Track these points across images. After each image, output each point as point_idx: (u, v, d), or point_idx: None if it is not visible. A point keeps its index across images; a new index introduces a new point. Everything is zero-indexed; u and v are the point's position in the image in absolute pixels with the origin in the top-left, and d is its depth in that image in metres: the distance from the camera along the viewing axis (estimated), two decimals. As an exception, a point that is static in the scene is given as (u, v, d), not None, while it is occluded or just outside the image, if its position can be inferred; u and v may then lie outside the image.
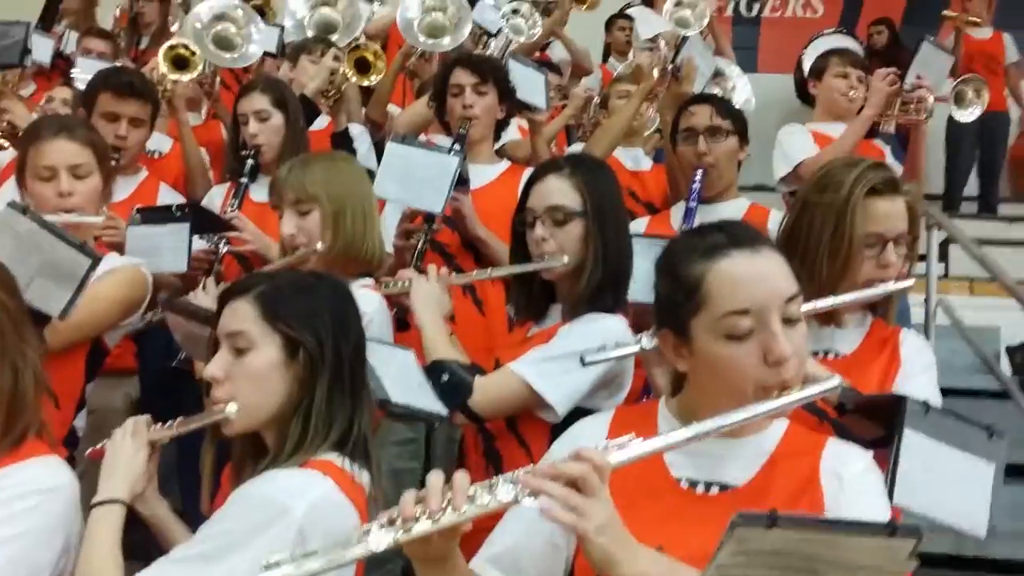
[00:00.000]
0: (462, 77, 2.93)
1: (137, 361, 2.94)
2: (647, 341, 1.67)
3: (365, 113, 4.07)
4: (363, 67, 3.59)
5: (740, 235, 1.36)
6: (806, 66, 6.63)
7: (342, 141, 3.51)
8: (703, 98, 2.89)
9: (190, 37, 3.77)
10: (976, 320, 4.52)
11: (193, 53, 3.65)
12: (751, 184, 3.99)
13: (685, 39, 3.39)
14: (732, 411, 1.28)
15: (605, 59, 6.20)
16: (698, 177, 2.65)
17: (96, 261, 1.96)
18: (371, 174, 3.55)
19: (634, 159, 3.55)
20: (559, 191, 1.94)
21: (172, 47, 3.68)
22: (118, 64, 4.58)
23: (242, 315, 1.48)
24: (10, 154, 3.82)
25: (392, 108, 4.21)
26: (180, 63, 3.64)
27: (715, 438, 1.32)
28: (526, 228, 1.99)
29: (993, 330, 4.60)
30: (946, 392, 1.89)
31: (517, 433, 1.92)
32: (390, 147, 2.59)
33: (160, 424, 1.60)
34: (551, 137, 3.75)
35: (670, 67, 3.19)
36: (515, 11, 4.02)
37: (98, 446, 1.61)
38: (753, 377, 1.29)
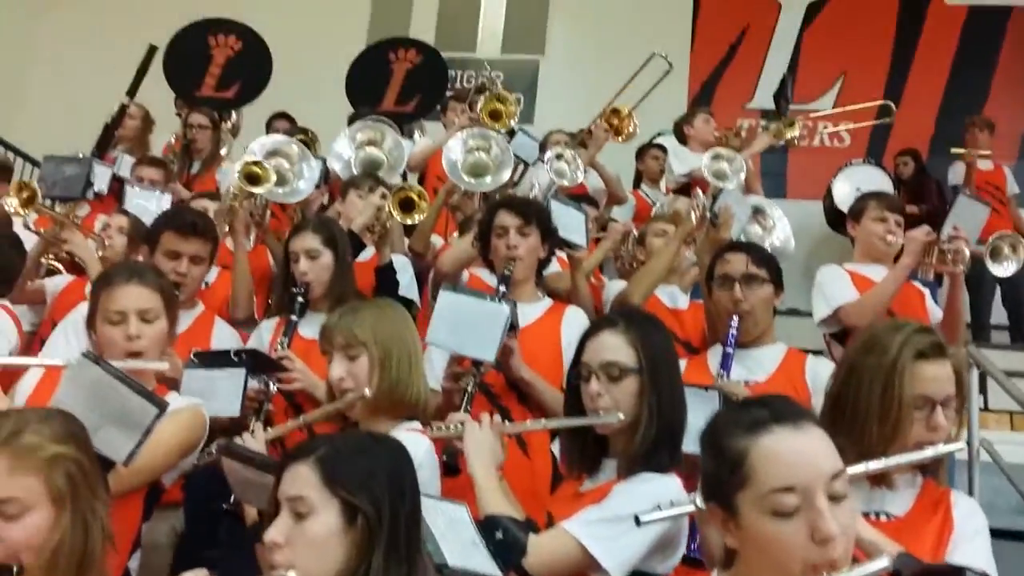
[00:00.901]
0: (506, 219, 3.04)
1: (183, 494, 2.97)
2: (702, 500, 1.68)
3: (408, 244, 4.21)
4: (407, 206, 3.73)
5: (783, 411, 1.38)
6: (836, 194, 6.84)
7: (386, 273, 3.62)
8: (739, 246, 2.97)
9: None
10: (1018, 457, 4.46)
11: (265, 171, 3.83)
12: (783, 309, 4.06)
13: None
14: None
15: (636, 185, 6.36)
16: (734, 323, 2.70)
17: (163, 410, 2.01)
18: (411, 304, 3.69)
19: (671, 297, 3.61)
20: (614, 347, 1.98)
21: (248, 163, 3.87)
22: (172, 187, 4.82)
23: (303, 480, 1.49)
24: (65, 279, 3.99)
25: (434, 239, 4.34)
26: (252, 179, 3.82)
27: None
28: (580, 381, 2.02)
29: (1037, 468, 4.51)
30: (991, 534, 1.87)
31: (573, 594, 1.89)
32: (443, 295, 2.66)
33: None
34: (590, 270, 3.83)
35: (708, 214, 3.28)
36: (559, 156, 4.17)
37: None
38: (800, 556, 1.30)
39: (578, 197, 4.52)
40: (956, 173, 6.69)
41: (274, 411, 2.84)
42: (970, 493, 3.93)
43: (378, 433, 1.78)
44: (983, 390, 4.95)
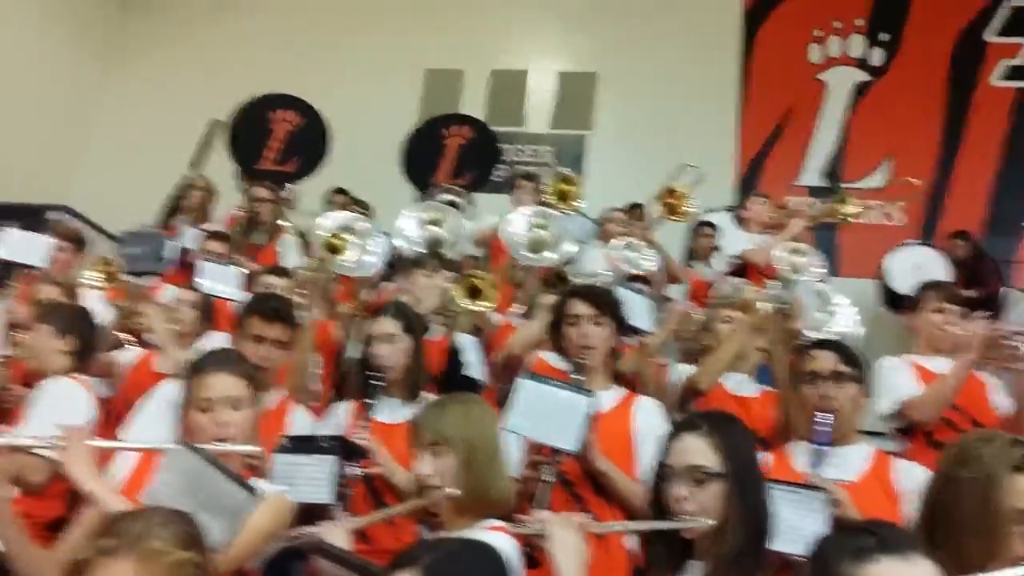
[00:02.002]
0: (580, 308, 3.05)
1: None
2: None
3: (469, 322, 4.25)
4: (474, 292, 3.79)
5: (890, 540, 1.41)
6: (891, 274, 6.82)
7: (454, 354, 3.67)
8: (827, 343, 2.95)
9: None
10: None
11: (344, 241, 3.93)
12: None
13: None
14: None
15: (686, 262, 6.40)
16: (824, 421, 2.68)
17: (256, 497, 2.05)
18: (477, 384, 3.72)
19: (738, 384, 3.60)
20: (697, 451, 1.98)
21: (329, 235, 4.03)
22: (237, 259, 4.93)
23: None
24: (135, 353, 4.08)
25: (495, 317, 4.39)
26: (332, 249, 3.93)
27: None
28: (665, 484, 2.02)
29: None
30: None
31: None
32: (523, 384, 2.67)
33: None
34: (654, 353, 3.84)
35: (780, 306, 3.28)
36: (628, 245, 4.23)
37: None
38: None
39: (636, 278, 4.58)
40: None
41: (353, 496, 2.87)
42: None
43: (477, 541, 1.79)
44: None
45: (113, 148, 8.83)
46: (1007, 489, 1.81)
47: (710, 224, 6.15)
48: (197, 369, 2.38)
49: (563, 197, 4.98)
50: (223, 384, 2.33)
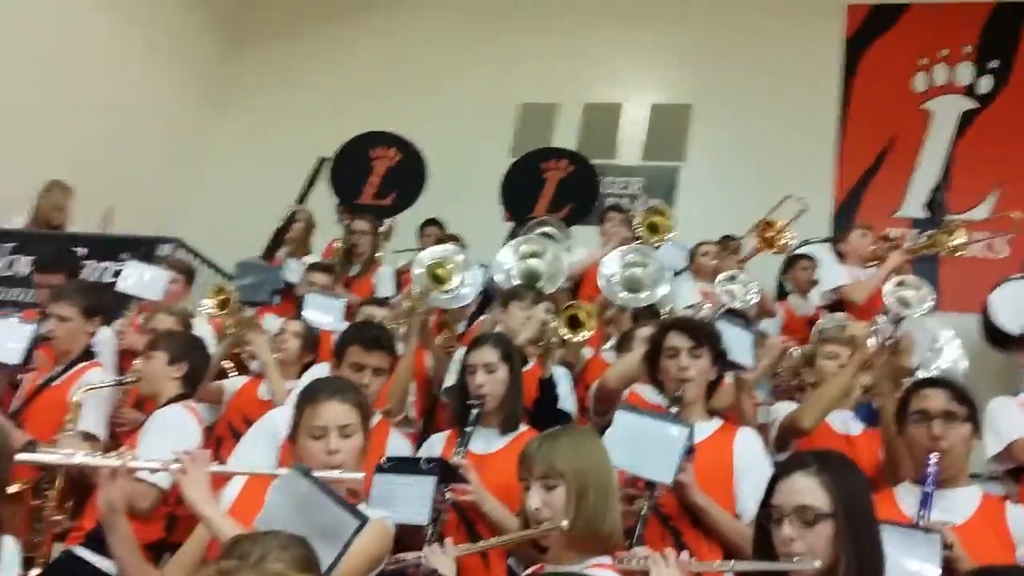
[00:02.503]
0: (678, 340, 3.05)
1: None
2: None
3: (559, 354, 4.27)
4: (574, 323, 3.81)
5: None
6: (995, 310, 6.57)
7: (548, 386, 3.68)
8: (937, 382, 2.87)
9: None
10: None
11: (447, 271, 4.02)
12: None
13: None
14: None
15: (781, 295, 6.29)
16: (933, 461, 2.61)
17: (364, 523, 2.10)
18: (569, 417, 3.74)
19: (843, 422, 3.53)
20: (807, 490, 1.95)
21: (433, 264, 4.14)
22: (338, 289, 5.08)
23: None
24: (240, 381, 4.24)
25: (584, 352, 4.40)
26: (437, 279, 4.03)
27: None
28: (772, 524, 2.00)
29: None
30: None
31: None
32: (620, 415, 2.69)
33: None
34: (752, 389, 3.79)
35: (889, 342, 3.21)
36: (732, 278, 4.21)
37: None
38: None
39: (732, 311, 4.52)
40: None
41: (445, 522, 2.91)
42: None
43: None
44: None
45: (223, 184, 9.20)
46: None
47: (808, 257, 6.03)
48: (310, 397, 2.46)
49: (654, 230, 4.98)
50: (335, 412, 2.41)
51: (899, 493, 2.74)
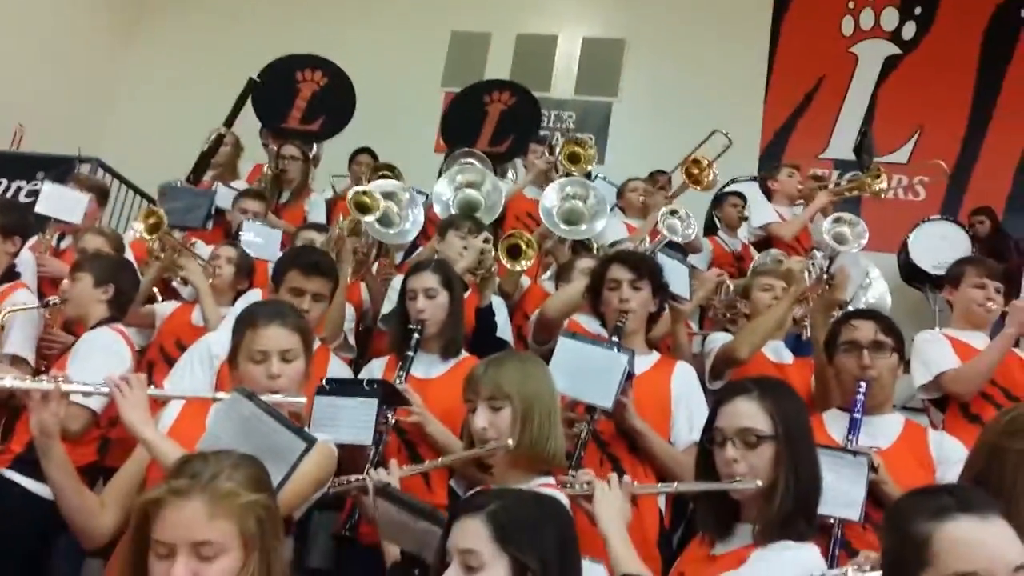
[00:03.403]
0: (619, 273, 3.09)
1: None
2: (853, 573, 1.71)
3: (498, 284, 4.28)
4: (515, 252, 3.81)
5: (969, 500, 1.44)
6: (912, 249, 6.82)
7: (486, 315, 3.69)
8: (866, 313, 2.97)
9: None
10: None
11: (375, 200, 3.96)
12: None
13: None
14: None
15: (710, 232, 6.40)
16: (862, 389, 2.71)
17: (311, 446, 2.09)
18: (506, 345, 3.76)
19: (776, 352, 3.62)
20: (750, 414, 1.99)
21: (359, 192, 4.03)
22: (271, 218, 4.96)
23: (474, 533, 1.55)
24: (172, 305, 4.13)
25: (522, 280, 4.41)
26: (362, 207, 3.95)
27: None
28: (714, 446, 2.04)
29: None
30: None
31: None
32: (562, 342, 2.72)
33: None
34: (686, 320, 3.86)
35: (824, 275, 3.30)
36: (673, 212, 4.25)
37: None
38: None
39: (671, 245, 4.58)
40: None
41: (387, 445, 2.92)
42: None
43: (543, 493, 1.83)
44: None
45: (143, 104, 8.86)
46: None
47: (738, 194, 6.12)
48: (251, 321, 2.40)
49: (575, 160, 4.97)
50: (277, 336, 2.36)
51: (827, 419, 2.85)
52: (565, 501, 2.19)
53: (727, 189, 6.38)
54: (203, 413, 2.34)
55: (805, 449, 2.02)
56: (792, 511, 1.93)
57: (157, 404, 2.46)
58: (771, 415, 1.99)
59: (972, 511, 1.41)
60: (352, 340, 3.95)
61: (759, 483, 1.94)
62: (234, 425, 2.10)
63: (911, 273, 6.81)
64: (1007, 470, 1.86)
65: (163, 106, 8.59)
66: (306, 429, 2.36)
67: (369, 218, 3.98)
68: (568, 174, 5.11)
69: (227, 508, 1.60)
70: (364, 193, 4.04)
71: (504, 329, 3.85)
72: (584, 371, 2.67)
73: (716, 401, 2.11)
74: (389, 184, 4.26)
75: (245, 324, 2.41)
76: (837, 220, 4.11)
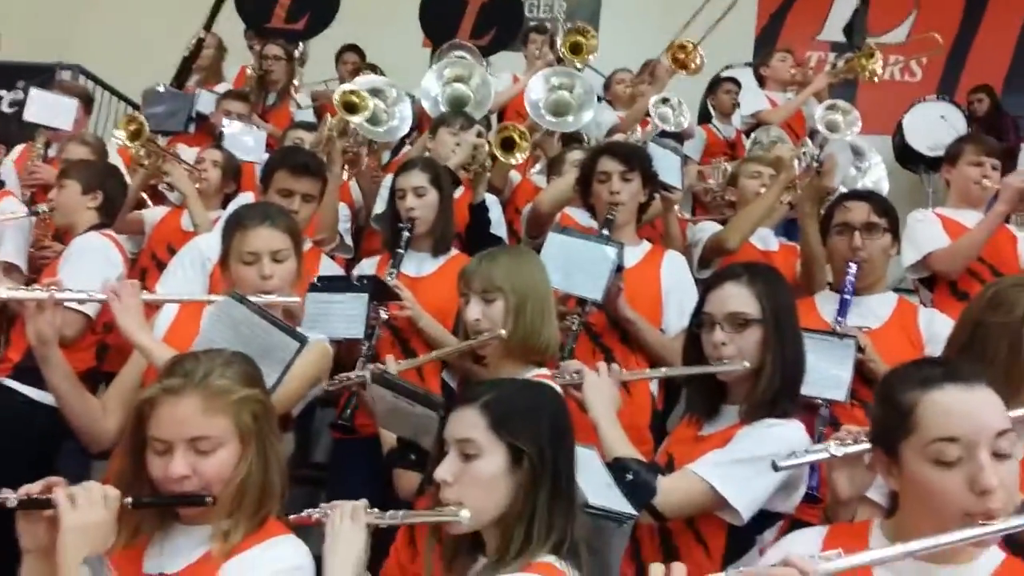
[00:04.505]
0: (609, 165, 3.08)
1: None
2: (835, 448, 1.75)
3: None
4: (508, 145, 3.76)
5: (956, 370, 1.46)
6: (907, 131, 6.75)
7: (480, 211, 3.68)
8: (860, 194, 2.96)
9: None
10: None
11: (363, 99, 3.89)
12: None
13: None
14: (934, 535, 1.37)
15: (705, 119, 6.32)
16: (852, 271, 2.72)
17: (303, 344, 2.11)
18: (499, 240, 3.76)
19: (763, 239, 3.64)
20: (738, 297, 2.02)
21: (347, 92, 3.94)
22: (255, 120, 4.89)
23: (471, 423, 1.59)
24: (162, 211, 4.12)
25: (512, 175, 4.38)
26: (350, 107, 3.89)
27: (923, 565, 1.42)
28: (703, 330, 2.07)
29: None
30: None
31: (695, 529, 1.97)
32: (552, 237, 2.73)
33: (378, 510, 1.69)
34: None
35: (814, 163, 3.27)
36: (664, 100, 4.17)
37: (304, 514, 1.71)
38: (958, 504, 1.38)
39: (664, 134, 4.53)
40: None
41: (379, 342, 2.95)
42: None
43: (537, 381, 1.86)
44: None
45: (122, 8, 8.58)
46: None
47: (733, 80, 6.01)
48: (240, 223, 2.40)
49: (577, 50, 4.86)
50: (266, 237, 2.37)
51: (819, 300, 2.88)
52: (560, 391, 2.23)
53: (723, 75, 6.26)
54: (198, 316, 2.37)
55: (791, 332, 2.05)
56: (778, 392, 1.98)
57: (152, 308, 2.50)
58: (759, 299, 2.02)
59: (959, 379, 1.43)
60: (349, 240, 3.95)
61: (747, 364, 1.99)
62: (227, 328, 2.12)
63: (906, 155, 6.75)
64: (990, 343, 1.89)
65: (144, 8, 8.34)
66: (299, 328, 2.40)
67: (358, 118, 3.92)
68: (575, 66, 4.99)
69: (221, 403, 1.64)
70: (351, 92, 3.97)
71: (498, 225, 3.84)
72: (574, 265, 2.70)
73: (705, 287, 2.14)
74: (376, 80, 4.17)
75: (234, 226, 2.41)
76: (831, 107, 4.05)
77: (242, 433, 1.65)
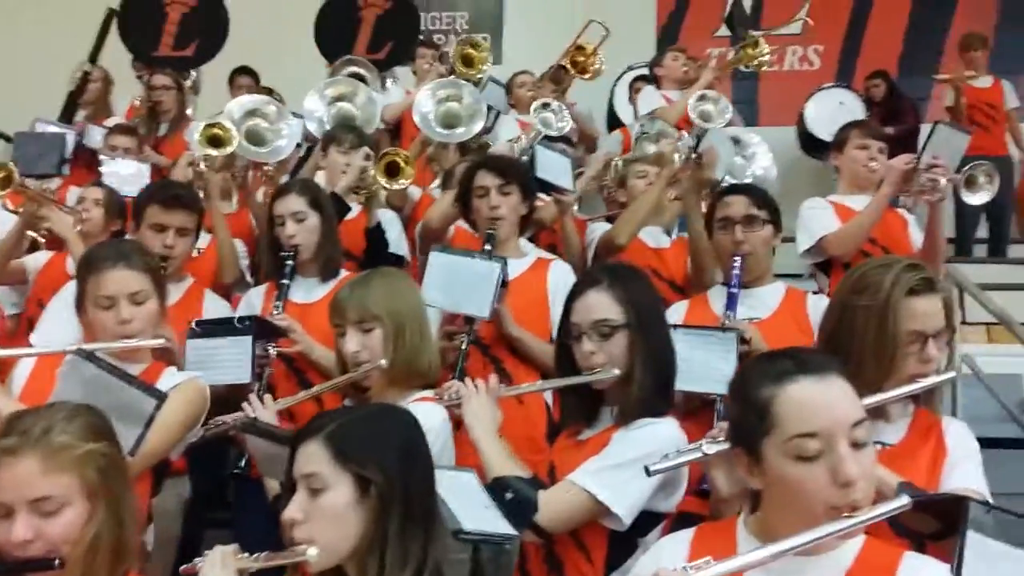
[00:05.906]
0: (486, 179, 3.07)
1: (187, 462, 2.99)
2: (708, 447, 1.73)
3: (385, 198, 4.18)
4: (393, 171, 3.69)
5: (808, 362, 1.45)
6: (808, 118, 6.85)
7: (376, 234, 3.60)
8: (738, 188, 2.98)
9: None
10: (996, 368, 4.60)
11: (227, 131, 3.78)
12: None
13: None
14: (804, 532, 1.36)
15: (615, 123, 6.32)
16: (737, 264, 2.73)
17: (162, 401, 2.02)
18: (401, 259, 3.69)
19: (654, 237, 3.63)
20: (601, 305, 2.01)
21: (208, 126, 3.82)
22: (147, 153, 4.74)
23: (314, 457, 1.52)
24: (45, 256, 3.95)
25: (411, 191, 4.31)
26: (215, 142, 3.77)
27: (791, 556, 1.39)
28: (572, 341, 2.05)
29: (1014, 378, 4.65)
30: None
31: (577, 539, 1.96)
32: (434, 256, 2.71)
33: (247, 554, 1.60)
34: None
35: (693, 156, 3.29)
36: (545, 105, 4.16)
37: (191, 564, 1.63)
38: (823, 498, 1.37)
39: (557, 138, 4.52)
40: (947, 97, 6.54)
41: (274, 375, 2.88)
42: (953, 406, 4.08)
43: (386, 404, 1.80)
44: (960, 304, 5.05)
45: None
46: (902, 313, 1.86)
47: (645, 78, 6.04)
48: (92, 266, 2.29)
49: (469, 62, 4.83)
50: (121, 280, 2.26)
51: (712, 295, 2.88)
52: (441, 413, 2.19)
53: (636, 75, 6.29)
54: (56, 368, 2.24)
55: (658, 332, 2.06)
56: (649, 392, 1.98)
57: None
58: (622, 303, 2.01)
59: (811, 372, 1.42)
60: (248, 277, 3.83)
61: (617, 372, 1.98)
62: (78, 386, 2.01)
63: (810, 143, 6.85)
64: (856, 326, 1.89)
65: (25, 48, 8.05)
66: (172, 372, 2.29)
67: (226, 151, 3.80)
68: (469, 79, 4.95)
69: (62, 461, 1.55)
70: (213, 126, 3.84)
71: (398, 244, 3.77)
72: (458, 283, 2.69)
73: (569, 297, 2.12)
74: (249, 101, 4.06)
75: (86, 270, 2.30)
76: (701, 98, 4.08)
77: (89, 490, 1.56)
